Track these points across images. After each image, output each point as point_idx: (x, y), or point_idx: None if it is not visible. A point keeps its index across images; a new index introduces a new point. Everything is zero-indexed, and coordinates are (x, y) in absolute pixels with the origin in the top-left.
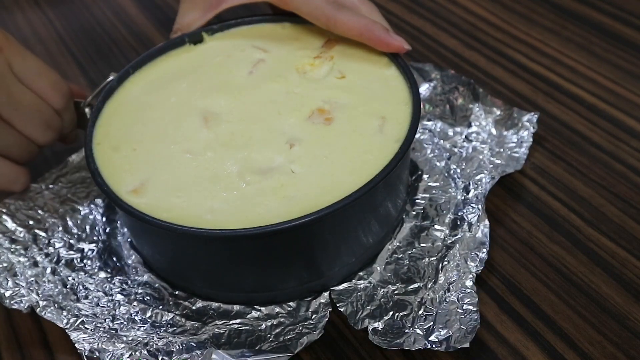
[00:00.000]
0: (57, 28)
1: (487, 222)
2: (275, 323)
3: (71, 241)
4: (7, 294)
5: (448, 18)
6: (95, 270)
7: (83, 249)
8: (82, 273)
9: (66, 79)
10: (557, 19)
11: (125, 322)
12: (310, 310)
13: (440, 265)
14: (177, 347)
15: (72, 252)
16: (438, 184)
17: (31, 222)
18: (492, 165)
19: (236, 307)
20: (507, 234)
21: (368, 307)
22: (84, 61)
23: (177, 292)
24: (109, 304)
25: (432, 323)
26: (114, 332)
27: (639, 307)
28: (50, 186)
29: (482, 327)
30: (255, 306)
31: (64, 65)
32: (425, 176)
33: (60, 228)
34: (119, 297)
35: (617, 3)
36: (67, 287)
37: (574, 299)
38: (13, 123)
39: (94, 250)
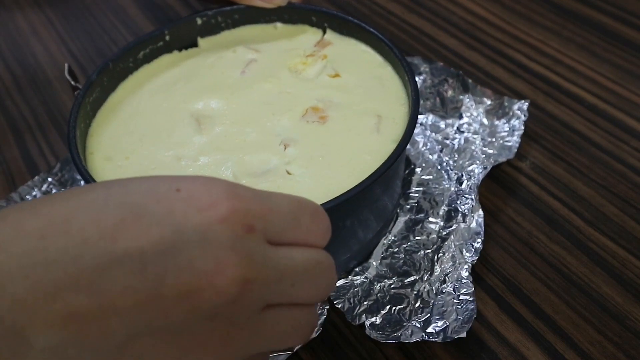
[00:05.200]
0: (57, 28)
1: (481, 212)
2: None
3: None
4: None
5: (448, 18)
6: None
7: None
8: None
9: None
10: (557, 19)
11: None
12: None
13: (436, 257)
14: None
15: None
16: (431, 177)
17: None
18: (484, 155)
19: None
20: (507, 234)
21: (365, 303)
22: (84, 61)
23: None
24: None
25: (428, 315)
26: None
27: (639, 307)
28: (43, 188)
29: (482, 327)
30: None
31: (64, 65)
32: (418, 170)
33: None
34: None
35: (618, 3)
36: None
37: (574, 298)
38: (297, 300)
39: None
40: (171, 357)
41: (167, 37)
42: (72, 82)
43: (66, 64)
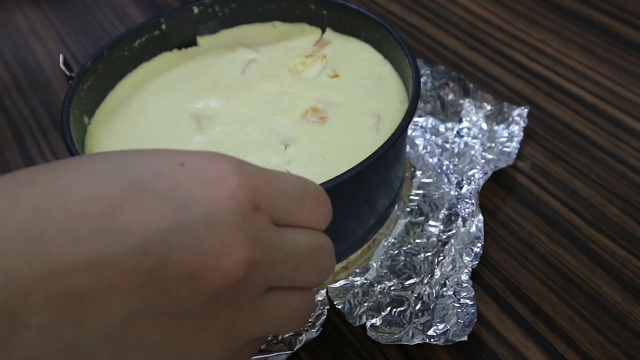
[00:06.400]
0: (57, 28)
1: (481, 217)
2: None
3: None
4: None
5: (448, 18)
6: None
7: None
8: None
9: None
10: (557, 19)
11: None
12: None
13: (436, 260)
14: None
15: None
16: (431, 180)
17: None
18: (484, 161)
19: None
20: (507, 234)
21: (365, 304)
22: (84, 61)
23: None
24: None
25: (429, 317)
26: None
27: (639, 307)
28: None
29: (482, 327)
30: None
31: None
32: (418, 172)
33: None
34: None
35: (617, 3)
36: None
37: (574, 299)
38: (297, 284)
39: None
40: (171, 341)
41: (164, 26)
42: (67, 73)
43: (61, 55)
